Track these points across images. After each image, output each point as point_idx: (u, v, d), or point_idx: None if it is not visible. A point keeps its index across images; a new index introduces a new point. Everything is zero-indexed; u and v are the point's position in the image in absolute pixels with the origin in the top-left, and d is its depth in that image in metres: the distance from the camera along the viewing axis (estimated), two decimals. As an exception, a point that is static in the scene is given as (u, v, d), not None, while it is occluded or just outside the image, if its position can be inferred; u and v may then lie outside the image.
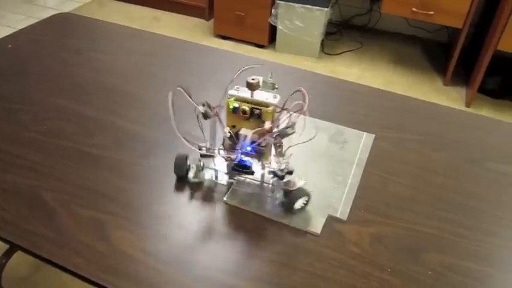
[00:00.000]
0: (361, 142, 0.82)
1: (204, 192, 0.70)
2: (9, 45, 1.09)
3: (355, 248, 0.63)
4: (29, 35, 1.14)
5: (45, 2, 3.38)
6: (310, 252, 0.62)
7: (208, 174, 0.73)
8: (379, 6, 2.58)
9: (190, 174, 0.71)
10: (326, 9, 2.53)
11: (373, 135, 0.85)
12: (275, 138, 0.64)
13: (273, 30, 2.72)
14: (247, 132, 0.64)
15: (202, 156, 0.70)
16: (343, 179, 0.74)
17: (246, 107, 0.64)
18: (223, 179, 0.72)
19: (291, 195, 0.67)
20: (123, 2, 3.35)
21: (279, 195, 0.69)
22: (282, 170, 0.66)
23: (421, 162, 0.80)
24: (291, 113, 0.63)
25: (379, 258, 0.62)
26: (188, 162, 0.71)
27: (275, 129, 0.64)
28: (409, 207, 0.70)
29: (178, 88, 0.66)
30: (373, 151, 0.81)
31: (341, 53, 2.81)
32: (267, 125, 0.63)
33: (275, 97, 0.65)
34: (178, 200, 0.69)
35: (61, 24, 1.21)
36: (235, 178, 0.71)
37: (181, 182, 0.72)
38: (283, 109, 0.64)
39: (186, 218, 0.66)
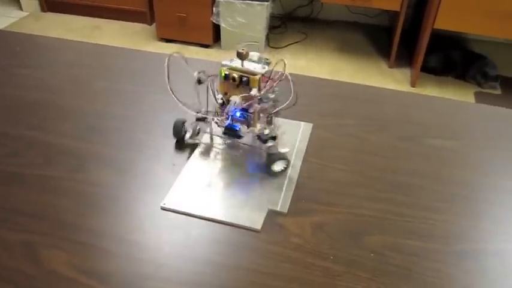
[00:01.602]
0: (299, 132, 0.82)
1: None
2: None
3: (298, 240, 0.62)
4: None
5: (-23, 20, 3.22)
6: (252, 249, 0.61)
7: (205, 138, 0.79)
8: (319, -4, 2.60)
9: (187, 136, 0.77)
10: (267, 3, 2.53)
11: (311, 124, 0.84)
12: (259, 103, 0.70)
13: (216, 28, 2.70)
14: (235, 98, 0.70)
15: (197, 119, 0.76)
16: (281, 172, 0.73)
17: (235, 75, 0.70)
18: (218, 142, 0.78)
19: (270, 158, 0.72)
20: (61, 13, 3.24)
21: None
22: (266, 135, 0.73)
23: (359, 146, 0.80)
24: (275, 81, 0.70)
25: (322, 247, 0.61)
26: (185, 126, 0.77)
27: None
28: (350, 193, 0.70)
29: (175, 54, 0.70)
30: (312, 140, 0.81)
31: (287, 45, 2.82)
32: (254, 91, 0.69)
33: (263, 68, 0.70)
34: (115, 213, 0.66)
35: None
36: (226, 142, 0.78)
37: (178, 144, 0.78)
38: (269, 78, 0.70)
39: (121, 230, 0.63)
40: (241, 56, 0.70)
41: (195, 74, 0.72)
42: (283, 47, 2.80)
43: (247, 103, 0.70)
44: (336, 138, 0.82)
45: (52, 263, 0.58)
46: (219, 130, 0.77)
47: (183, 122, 0.78)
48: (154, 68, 1.03)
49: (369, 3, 2.41)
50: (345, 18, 3.13)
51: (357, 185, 0.72)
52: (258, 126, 0.73)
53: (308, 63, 2.64)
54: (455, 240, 0.63)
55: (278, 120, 0.76)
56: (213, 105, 0.75)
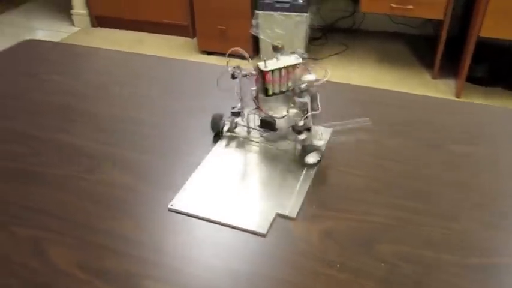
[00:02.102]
0: (317, 136, 0.79)
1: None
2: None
3: (304, 246, 0.60)
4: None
5: (35, 35, 3.41)
6: (256, 253, 0.59)
7: (242, 131, 0.80)
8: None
9: (225, 129, 0.79)
10: (305, 14, 2.52)
11: (330, 129, 0.82)
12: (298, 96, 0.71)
13: (256, 40, 2.72)
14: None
15: (233, 114, 0.78)
16: (294, 175, 0.71)
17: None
18: (255, 136, 0.79)
19: (304, 149, 0.72)
20: (109, 28, 3.38)
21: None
22: (300, 126, 0.73)
23: (378, 151, 0.77)
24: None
25: (329, 254, 0.59)
26: (223, 120, 0.79)
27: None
28: (363, 199, 0.67)
29: (234, 49, 0.76)
30: (330, 144, 0.78)
31: (327, 56, 2.79)
32: (310, 76, 0.71)
33: (297, 58, 0.73)
34: (123, 214, 0.66)
35: (26, 50, 1.20)
36: (263, 135, 0.78)
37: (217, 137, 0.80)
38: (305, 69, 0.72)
39: (127, 229, 0.63)
40: (277, 49, 0.73)
41: (230, 69, 0.75)
42: (323, 58, 2.77)
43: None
44: (355, 143, 0.79)
45: (58, 259, 0.59)
46: (254, 124, 0.79)
47: (221, 116, 0.79)
48: (179, 75, 1.04)
49: (410, 12, 2.35)
50: (387, 29, 3.07)
51: (372, 191, 0.69)
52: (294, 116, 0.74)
53: (348, 74, 2.59)
54: (473, 252, 0.58)
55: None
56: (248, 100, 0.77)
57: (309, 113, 0.72)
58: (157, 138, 0.82)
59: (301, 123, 0.73)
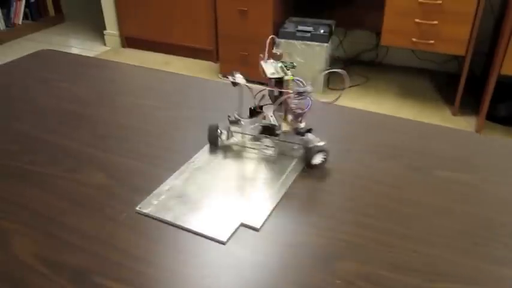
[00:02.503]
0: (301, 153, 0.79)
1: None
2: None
3: (263, 258, 0.59)
4: (7, 67, 1.19)
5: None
6: (214, 261, 0.58)
7: (237, 138, 0.80)
8: (381, 39, 2.56)
9: (223, 137, 0.79)
10: (326, 44, 2.54)
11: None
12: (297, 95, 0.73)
13: (276, 67, 2.75)
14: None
15: (231, 122, 0.79)
16: (269, 185, 0.70)
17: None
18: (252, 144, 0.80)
19: (310, 151, 0.74)
20: (138, 49, 3.50)
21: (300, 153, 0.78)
22: (302, 128, 0.76)
23: (362, 172, 0.75)
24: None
25: (286, 269, 0.57)
26: (219, 129, 0.79)
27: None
28: (336, 216, 0.66)
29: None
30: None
31: (347, 87, 2.79)
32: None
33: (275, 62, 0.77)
34: (91, 213, 0.67)
35: (43, 59, 1.25)
36: (261, 140, 0.79)
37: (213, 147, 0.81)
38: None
39: (91, 227, 0.64)
40: (277, 58, 0.77)
41: (230, 77, 0.78)
42: (342, 89, 2.77)
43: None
44: (340, 163, 0.78)
45: (19, 250, 0.60)
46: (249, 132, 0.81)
47: (217, 127, 0.80)
48: (182, 89, 1.06)
49: (431, 47, 2.33)
50: (411, 64, 3.05)
51: (347, 209, 0.67)
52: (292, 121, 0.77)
53: (367, 106, 2.58)
54: (440, 277, 0.56)
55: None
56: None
57: (306, 109, 0.75)
58: (145, 144, 0.83)
59: (302, 125, 0.76)
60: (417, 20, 2.29)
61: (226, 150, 0.80)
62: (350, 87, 2.79)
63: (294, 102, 0.74)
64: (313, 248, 0.60)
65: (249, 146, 0.80)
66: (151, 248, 0.60)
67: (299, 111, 0.76)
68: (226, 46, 2.83)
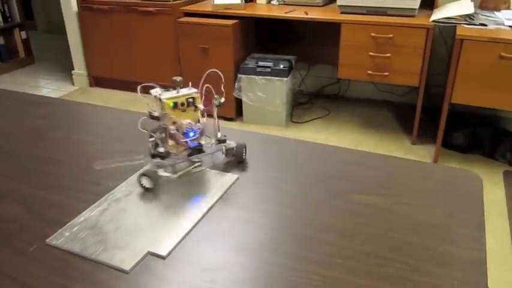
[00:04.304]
0: (221, 183, 0.80)
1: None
2: None
3: (163, 285, 0.59)
4: None
5: (38, 93, 3.55)
6: (115, 290, 0.58)
7: (165, 172, 0.82)
8: (339, 72, 2.63)
9: (146, 184, 0.78)
10: (286, 78, 2.60)
11: (236, 176, 0.82)
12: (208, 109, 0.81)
13: (239, 103, 2.79)
14: (186, 120, 0.78)
15: (157, 157, 0.80)
16: (185, 214, 0.71)
17: (183, 100, 0.78)
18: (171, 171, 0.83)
19: (237, 149, 0.85)
20: (105, 88, 3.52)
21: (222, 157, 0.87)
22: (221, 137, 0.85)
23: (278, 198, 0.77)
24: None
25: (188, 293, 0.57)
26: (141, 179, 0.78)
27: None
28: (241, 242, 0.66)
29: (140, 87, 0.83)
30: (233, 190, 0.79)
31: (309, 120, 2.84)
32: (201, 106, 0.80)
33: (190, 89, 0.80)
34: (5, 246, 0.66)
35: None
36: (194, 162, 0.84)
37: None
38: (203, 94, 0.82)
39: (1, 264, 0.63)
40: (178, 84, 0.80)
41: (140, 121, 0.83)
42: (305, 122, 2.82)
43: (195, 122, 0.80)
44: (260, 191, 0.79)
45: None
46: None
47: (141, 174, 0.78)
48: (116, 123, 1.07)
49: (386, 78, 2.41)
50: (372, 97, 3.13)
51: (255, 234, 0.68)
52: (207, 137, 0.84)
53: (327, 137, 2.62)
54: (337, 297, 0.56)
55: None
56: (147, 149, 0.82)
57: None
58: (69, 178, 0.83)
59: (219, 134, 0.85)
60: (371, 53, 2.38)
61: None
62: (312, 120, 2.84)
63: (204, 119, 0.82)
64: (218, 276, 0.60)
65: (180, 172, 0.83)
66: (55, 280, 0.59)
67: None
68: (189, 82, 2.86)
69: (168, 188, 0.78)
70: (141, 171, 0.78)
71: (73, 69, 3.64)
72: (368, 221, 0.71)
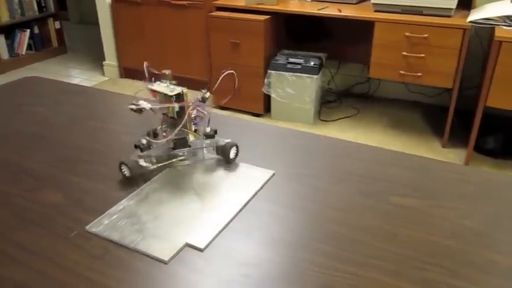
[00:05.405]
0: (256, 177, 0.80)
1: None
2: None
3: (204, 279, 0.59)
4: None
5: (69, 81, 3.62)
6: (156, 280, 0.59)
7: (145, 163, 0.80)
8: (370, 71, 2.60)
9: (126, 173, 0.79)
10: (316, 76, 2.58)
11: (272, 171, 0.82)
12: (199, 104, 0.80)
13: (268, 99, 2.79)
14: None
15: (137, 148, 0.80)
16: (223, 206, 0.71)
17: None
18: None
19: (225, 148, 0.83)
20: (134, 79, 3.57)
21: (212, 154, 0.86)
22: (210, 131, 0.83)
23: (313, 196, 0.76)
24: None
25: None
26: (122, 167, 0.79)
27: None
28: (281, 238, 0.66)
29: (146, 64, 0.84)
30: (268, 186, 0.79)
31: (337, 119, 2.81)
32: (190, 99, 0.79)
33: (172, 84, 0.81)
34: (40, 230, 0.68)
35: (26, 85, 1.29)
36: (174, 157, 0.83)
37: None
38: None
39: (36, 244, 0.64)
40: (167, 77, 0.81)
41: (133, 106, 0.80)
42: (333, 120, 2.80)
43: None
44: (294, 187, 0.79)
45: (-36, 267, 0.61)
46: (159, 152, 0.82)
47: (122, 162, 0.79)
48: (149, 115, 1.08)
49: (418, 79, 2.37)
50: (403, 97, 3.08)
51: (294, 232, 0.68)
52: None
53: (355, 136, 2.59)
54: (374, 298, 0.56)
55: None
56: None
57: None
58: (106, 166, 0.85)
59: (208, 129, 0.83)
60: (404, 53, 2.34)
61: (190, 170, 0.82)
62: (340, 119, 2.82)
63: (194, 112, 0.81)
64: (255, 271, 0.60)
65: (163, 163, 0.83)
66: (94, 267, 0.61)
67: (199, 119, 0.82)
68: (218, 76, 2.88)
69: (203, 181, 0.79)
70: (122, 159, 0.79)
71: (104, 59, 3.70)
72: (404, 222, 0.70)
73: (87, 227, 0.68)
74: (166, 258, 0.61)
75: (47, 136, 0.97)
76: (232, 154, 0.84)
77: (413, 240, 0.66)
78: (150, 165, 0.81)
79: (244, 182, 0.79)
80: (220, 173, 0.81)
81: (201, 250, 0.63)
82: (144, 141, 0.81)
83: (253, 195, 0.75)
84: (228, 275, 0.59)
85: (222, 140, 0.84)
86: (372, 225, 0.69)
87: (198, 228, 0.67)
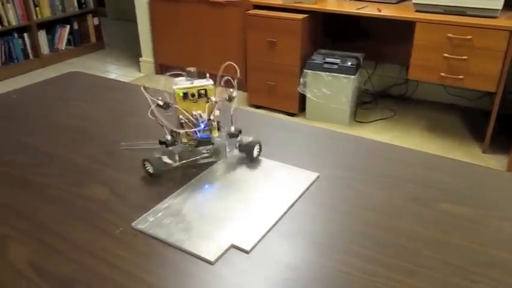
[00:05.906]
0: (300, 178, 0.79)
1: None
2: (14, 96, 1.20)
3: (249, 281, 0.58)
4: (35, 87, 1.25)
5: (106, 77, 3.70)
6: (201, 280, 0.58)
7: (169, 160, 0.80)
8: (409, 73, 2.54)
9: (150, 170, 0.79)
10: (353, 76, 2.54)
11: (317, 174, 0.81)
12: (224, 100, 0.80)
13: (302, 98, 2.77)
14: (198, 112, 0.79)
15: (163, 144, 0.80)
16: (263, 207, 0.70)
17: (193, 91, 0.78)
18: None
19: (249, 146, 0.82)
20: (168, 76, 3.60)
21: (235, 152, 0.84)
22: (234, 130, 0.82)
23: (359, 200, 0.74)
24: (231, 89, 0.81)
25: (271, 290, 0.57)
26: (145, 164, 0.80)
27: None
28: (327, 243, 0.65)
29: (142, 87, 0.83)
30: (313, 189, 0.77)
31: (373, 121, 2.77)
32: (214, 98, 0.79)
33: (208, 80, 0.80)
34: (87, 225, 0.68)
35: (70, 80, 1.31)
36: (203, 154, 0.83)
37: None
38: (220, 86, 0.81)
39: (84, 239, 0.65)
40: (192, 74, 0.80)
41: (159, 101, 0.80)
42: (369, 122, 2.75)
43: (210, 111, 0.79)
44: (338, 190, 0.77)
45: (14, 256, 0.62)
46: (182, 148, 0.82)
47: (144, 159, 0.80)
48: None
49: (460, 82, 2.30)
50: (441, 100, 3.00)
51: (339, 237, 0.66)
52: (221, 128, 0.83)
53: (391, 139, 2.54)
54: (427, 310, 0.54)
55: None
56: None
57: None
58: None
59: (232, 128, 0.82)
60: (446, 55, 2.27)
61: (233, 168, 0.81)
62: (376, 120, 2.77)
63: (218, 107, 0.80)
64: (301, 274, 0.59)
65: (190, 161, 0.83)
66: (140, 264, 0.61)
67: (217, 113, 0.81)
68: (254, 76, 2.87)
69: (245, 181, 0.78)
70: (145, 156, 0.80)
71: (140, 56, 3.75)
72: (456, 231, 0.67)
73: (133, 224, 0.68)
74: (212, 259, 0.60)
75: (91, 131, 0.98)
76: (255, 152, 0.83)
77: (464, 250, 0.64)
78: (174, 162, 0.81)
79: (288, 183, 0.77)
80: (261, 173, 0.80)
81: (246, 252, 0.63)
82: (169, 138, 0.80)
83: (298, 198, 0.74)
84: (272, 277, 0.58)
85: (246, 138, 0.84)
86: (420, 232, 0.67)
87: (243, 229, 0.66)
